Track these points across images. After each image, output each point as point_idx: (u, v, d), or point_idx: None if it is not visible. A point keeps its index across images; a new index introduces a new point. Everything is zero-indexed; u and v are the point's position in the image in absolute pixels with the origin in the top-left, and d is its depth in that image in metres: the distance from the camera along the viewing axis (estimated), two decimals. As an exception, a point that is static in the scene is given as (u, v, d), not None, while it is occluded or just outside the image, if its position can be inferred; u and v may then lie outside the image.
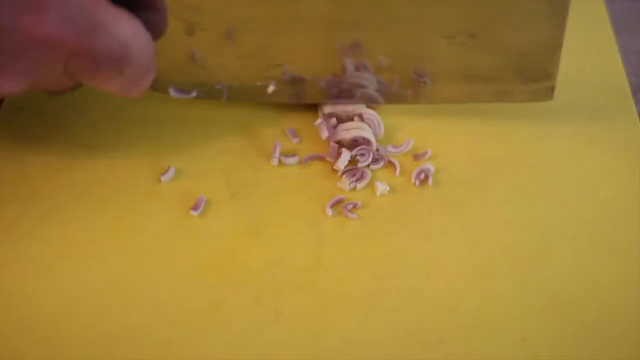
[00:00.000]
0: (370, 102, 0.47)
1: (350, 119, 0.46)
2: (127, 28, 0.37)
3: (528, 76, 0.46)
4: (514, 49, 0.45)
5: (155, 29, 0.40)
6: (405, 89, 0.47)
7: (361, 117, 0.45)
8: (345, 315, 0.38)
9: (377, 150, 0.45)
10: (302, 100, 0.47)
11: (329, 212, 0.42)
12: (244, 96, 0.47)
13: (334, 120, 0.46)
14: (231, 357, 0.37)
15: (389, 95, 0.47)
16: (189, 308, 0.38)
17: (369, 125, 0.45)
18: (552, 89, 0.47)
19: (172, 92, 0.46)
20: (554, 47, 0.45)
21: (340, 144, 0.45)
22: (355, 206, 0.43)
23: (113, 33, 0.37)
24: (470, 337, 0.37)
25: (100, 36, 0.36)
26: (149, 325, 0.38)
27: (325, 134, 0.45)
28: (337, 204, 0.43)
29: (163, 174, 0.44)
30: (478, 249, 0.41)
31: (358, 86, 0.47)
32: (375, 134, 0.45)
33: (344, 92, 0.47)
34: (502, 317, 0.38)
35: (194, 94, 0.46)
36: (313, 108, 0.48)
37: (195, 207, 0.42)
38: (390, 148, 0.46)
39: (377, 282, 0.39)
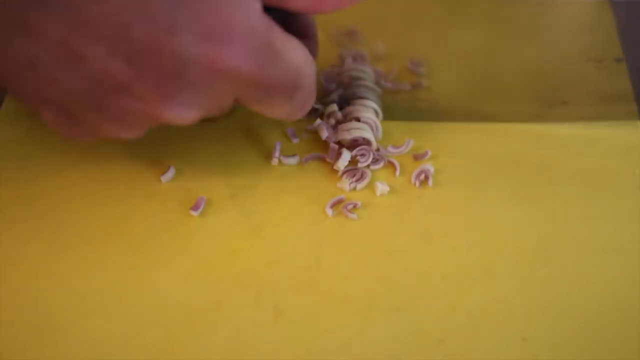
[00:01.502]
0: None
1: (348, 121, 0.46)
2: (299, 54, 0.38)
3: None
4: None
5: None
6: (538, 107, 0.47)
7: (358, 121, 0.45)
8: (345, 315, 0.38)
9: (378, 150, 0.45)
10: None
11: (329, 212, 0.42)
12: None
13: (332, 121, 0.46)
14: (231, 357, 0.37)
15: (519, 114, 0.47)
16: (189, 308, 0.38)
17: (366, 129, 0.45)
18: None
19: None
20: None
21: (340, 144, 0.45)
22: (355, 206, 0.43)
23: (289, 61, 0.37)
24: (470, 337, 0.37)
25: (277, 65, 0.36)
26: (149, 325, 0.38)
27: (325, 134, 0.45)
28: (337, 204, 0.43)
29: (163, 174, 0.44)
30: (478, 249, 0.41)
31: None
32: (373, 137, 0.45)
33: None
34: (502, 317, 0.38)
35: None
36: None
37: (195, 207, 0.42)
38: (390, 148, 0.46)
39: (377, 282, 0.39)
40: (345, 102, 0.47)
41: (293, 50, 0.37)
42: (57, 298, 0.39)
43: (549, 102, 0.47)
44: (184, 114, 0.36)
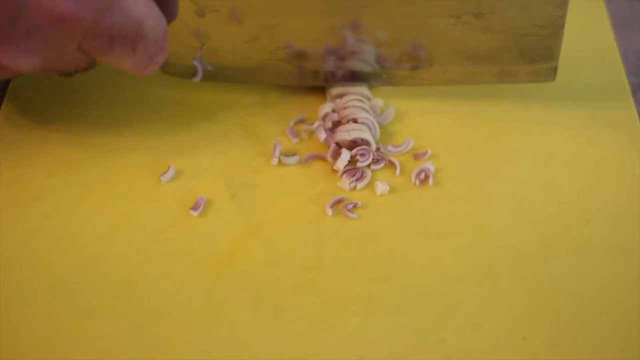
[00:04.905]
0: (370, 80, 0.48)
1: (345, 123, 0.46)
2: (141, 6, 0.38)
3: (531, 56, 0.46)
4: (517, 29, 0.46)
5: (166, 14, 0.40)
6: (406, 69, 0.47)
7: (355, 122, 0.45)
8: (345, 315, 0.38)
9: (378, 149, 0.45)
10: (304, 81, 0.48)
11: (329, 211, 0.42)
12: (251, 79, 0.47)
13: (329, 123, 0.46)
14: (231, 357, 0.37)
15: (390, 76, 0.47)
16: (189, 308, 0.38)
17: (364, 129, 0.45)
18: (555, 69, 0.47)
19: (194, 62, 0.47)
20: (557, 27, 0.45)
21: (339, 145, 0.45)
22: (355, 206, 0.43)
23: (128, 10, 0.37)
24: (470, 337, 0.37)
25: (115, 14, 0.37)
26: (149, 325, 0.38)
27: (322, 136, 0.45)
28: (337, 203, 0.43)
29: (163, 174, 0.44)
30: (478, 249, 0.41)
31: (356, 57, 0.47)
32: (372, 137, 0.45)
33: (343, 66, 0.47)
34: (502, 317, 0.38)
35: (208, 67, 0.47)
36: (314, 105, 0.48)
37: (195, 207, 0.42)
38: (390, 147, 0.46)
39: (377, 282, 0.39)
40: (340, 77, 0.48)
41: (134, 1, 0.38)
42: (57, 299, 0.39)
43: (414, 63, 0.47)
44: (22, 60, 0.37)
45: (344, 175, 0.44)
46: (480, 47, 0.46)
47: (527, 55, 0.46)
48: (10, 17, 0.35)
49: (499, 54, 0.46)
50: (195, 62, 0.47)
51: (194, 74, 0.47)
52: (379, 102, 0.48)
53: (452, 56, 0.47)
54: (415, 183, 0.44)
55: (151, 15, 0.39)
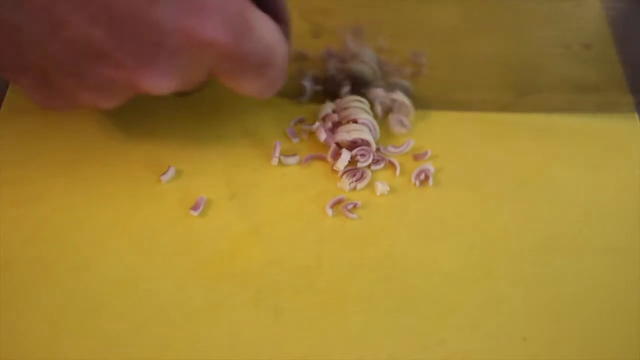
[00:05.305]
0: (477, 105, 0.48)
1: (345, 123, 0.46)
2: (272, 33, 0.39)
3: (632, 88, 0.47)
4: (622, 60, 0.47)
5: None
6: (512, 96, 0.48)
7: (356, 122, 0.45)
8: (345, 315, 0.38)
9: (378, 150, 0.45)
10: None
11: (329, 212, 0.42)
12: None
13: (329, 124, 0.46)
14: (231, 357, 0.37)
15: (494, 102, 0.48)
16: (189, 308, 0.38)
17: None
18: None
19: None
20: None
21: (340, 145, 0.45)
22: (355, 206, 0.43)
23: (261, 38, 0.38)
24: (470, 337, 0.37)
25: (251, 40, 0.38)
26: (149, 325, 0.38)
27: (322, 136, 0.45)
28: (337, 204, 0.43)
29: (163, 174, 0.44)
30: (478, 249, 0.41)
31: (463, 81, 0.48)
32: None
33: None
34: (502, 317, 0.38)
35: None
36: (314, 105, 0.48)
37: (195, 207, 0.42)
38: (390, 148, 0.46)
39: (377, 282, 0.39)
40: (342, 77, 0.48)
41: (266, 28, 0.39)
42: (57, 298, 0.39)
43: (519, 91, 0.48)
44: (161, 84, 0.37)
45: (344, 176, 0.44)
46: (585, 77, 0.47)
47: (629, 87, 0.47)
48: (155, 41, 0.36)
49: (602, 85, 0.47)
50: (305, 83, 0.48)
51: (301, 94, 0.47)
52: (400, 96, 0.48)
53: (558, 84, 0.48)
54: (415, 184, 0.44)
55: (280, 42, 0.40)
